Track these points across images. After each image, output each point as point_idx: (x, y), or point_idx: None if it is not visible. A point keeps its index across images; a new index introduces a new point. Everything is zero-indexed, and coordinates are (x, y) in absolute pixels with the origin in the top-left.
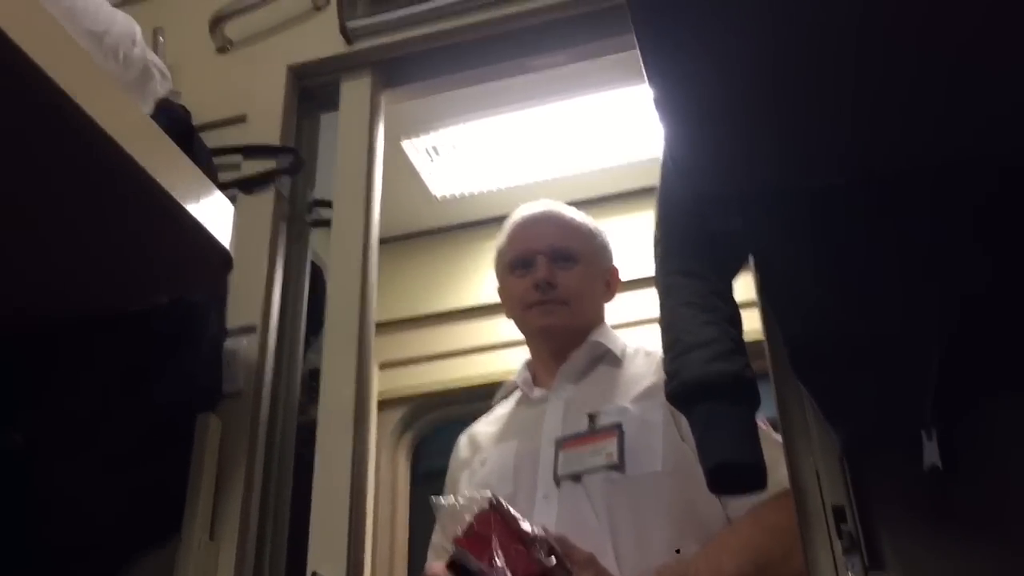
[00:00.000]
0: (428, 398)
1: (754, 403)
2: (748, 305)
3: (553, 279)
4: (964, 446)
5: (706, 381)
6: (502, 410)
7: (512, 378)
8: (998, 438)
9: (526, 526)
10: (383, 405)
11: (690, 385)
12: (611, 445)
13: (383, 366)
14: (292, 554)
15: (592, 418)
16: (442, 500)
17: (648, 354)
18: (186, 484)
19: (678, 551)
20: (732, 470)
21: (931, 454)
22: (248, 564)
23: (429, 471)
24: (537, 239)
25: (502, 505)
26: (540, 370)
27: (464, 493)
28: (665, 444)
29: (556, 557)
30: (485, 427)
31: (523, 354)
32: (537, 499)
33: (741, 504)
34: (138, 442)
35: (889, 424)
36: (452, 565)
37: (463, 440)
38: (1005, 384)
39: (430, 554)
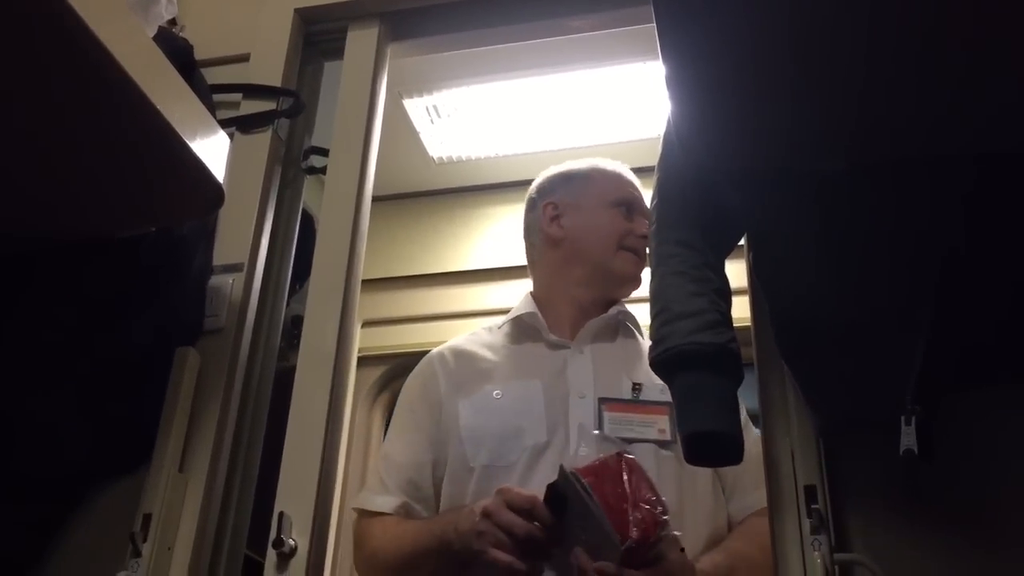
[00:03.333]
0: (409, 358)
1: (737, 376)
2: (736, 292)
3: None
4: (938, 435)
5: (691, 351)
6: (496, 339)
7: (515, 312)
8: (971, 429)
9: (651, 491)
10: (363, 362)
11: (674, 353)
12: (663, 422)
13: (366, 323)
14: (260, 493)
15: (636, 387)
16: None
17: None
18: (159, 416)
19: (681, 549)
20: (709, 440)
21: (908, 439)
22: (216, 498)
23: None
24: (643, 198)
25: (635, 465)
26: (562, 314)
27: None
28: None
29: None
30: (480, 351)
31: None
32: (570, 453)
33: (741, 508)
34: (115, 371)
35: (869, 407)
36: (552, 487)
37: (448, 357)
38: (983, 377)
39: None
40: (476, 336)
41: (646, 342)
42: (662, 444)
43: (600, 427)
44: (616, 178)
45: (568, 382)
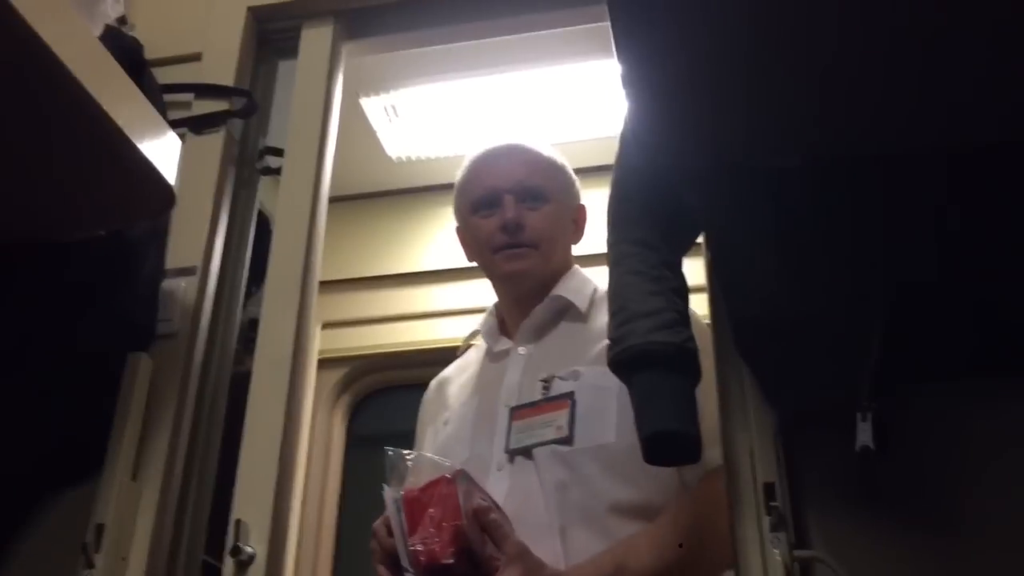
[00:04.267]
0: (369, 360)
1: (695, 375)
2: (695, 290)
3: (522, 220)
4: (895, 429)
5: (648, 350)
6: (472, 355)
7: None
8: (928, 423)
9: (474, 504)
10: (323, 364)
11: (632, 353)
12: (562, 417)
13: (325, 326)
14: (217, 501)
15: (546, 384)
16: (408, 454)
17: None
18: (111, 423)
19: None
20: (668, 439)
21: (864, 435)
22: (171, 506)
23: (365, 434)
24: (503, 176)
25: (463, 481)
26: (507, 317)
27: (432, 456)
28: (619, 411)
29: (473, 551)
30: (455, 374)
31: (469, 322)
32: (491, 471)
33: (694, 471)
34: (63, 378)
35: (826, 404)
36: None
37: (433, 387)
38: (937, 373)
39: None
40: (463, 357)
41: (600, 310)
42: (560, 442)
43: (507, 441)
44: (473, 176)
45: (499, 395)
